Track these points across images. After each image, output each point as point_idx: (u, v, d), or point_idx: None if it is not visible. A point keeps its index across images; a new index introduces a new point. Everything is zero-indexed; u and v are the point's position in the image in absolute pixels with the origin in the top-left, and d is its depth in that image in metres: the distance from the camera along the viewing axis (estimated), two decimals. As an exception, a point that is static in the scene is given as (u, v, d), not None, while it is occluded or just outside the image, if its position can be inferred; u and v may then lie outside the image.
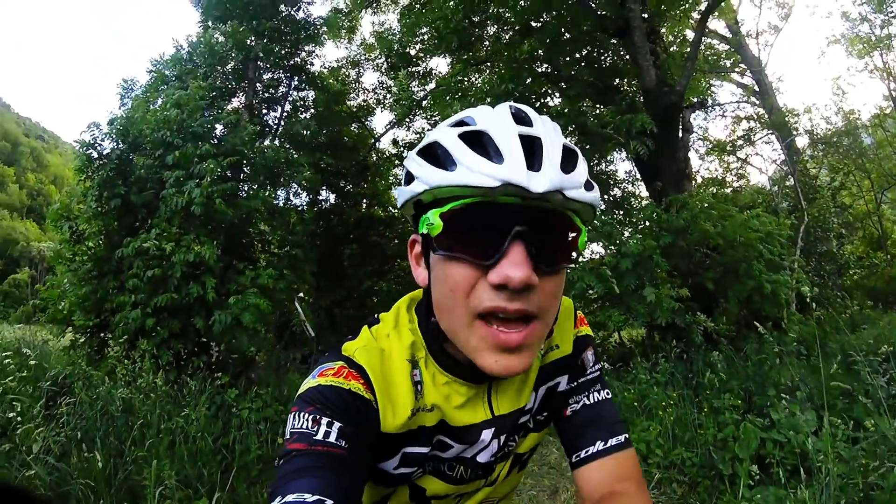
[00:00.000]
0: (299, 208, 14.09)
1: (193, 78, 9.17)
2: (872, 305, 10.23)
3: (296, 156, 10.76)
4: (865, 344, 6.13)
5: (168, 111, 7.86)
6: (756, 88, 18.68)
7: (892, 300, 11.74)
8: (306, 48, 13.08)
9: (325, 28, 13.07)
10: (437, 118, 12.85)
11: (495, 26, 10.83)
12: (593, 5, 9.51)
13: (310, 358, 14.65)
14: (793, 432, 4.22)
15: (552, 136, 0.88)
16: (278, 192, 12.42)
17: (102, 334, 7.47)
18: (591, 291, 7.64)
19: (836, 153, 16.01)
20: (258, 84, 12.32)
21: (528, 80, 9.93)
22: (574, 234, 0.89)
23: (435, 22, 10.57)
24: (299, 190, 13.71)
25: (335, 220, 14.23)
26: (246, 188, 8.83)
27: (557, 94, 10.57)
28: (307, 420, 0.88)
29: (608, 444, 1.08)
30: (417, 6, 12.06)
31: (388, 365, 0.99)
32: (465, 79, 10.64)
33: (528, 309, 0.84)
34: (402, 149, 15.28)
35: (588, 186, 0.89)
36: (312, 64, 13.63)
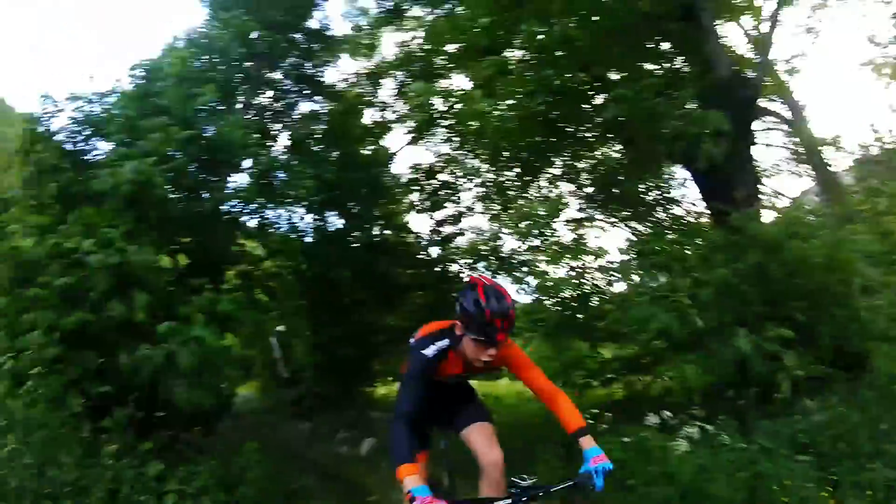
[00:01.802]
0: (301, 233, 12.65)
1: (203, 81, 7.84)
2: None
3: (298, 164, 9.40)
4: None
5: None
6: (788, 116, 17.89)
7: None
8: (319, 59, 12.37)
9: (344, 45, 12.43)
10: (456, 137, 11.56)
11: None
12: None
13: (303, 402, 13.29)
14: None
15: None
16: (275, 211, 11.23)
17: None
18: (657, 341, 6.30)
19: (876, 176, 15.12)
20: (264, 87, 11.43)
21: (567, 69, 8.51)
22: None
23: (461, 28, 9.32)
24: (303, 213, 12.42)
25: (340, 245, 12.83)
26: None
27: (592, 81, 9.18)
28: None
29: None
30: (442, 20, 10.87)
31: None
32: (496, 78, 9.24)
33: None
34: (419, 173, 13.95)
35: None
36: (324, 73, 12.87)
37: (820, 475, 4.31)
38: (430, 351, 2.83)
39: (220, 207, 7.89)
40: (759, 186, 8.32)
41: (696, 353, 5.96)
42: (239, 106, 10.79)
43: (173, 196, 6.12)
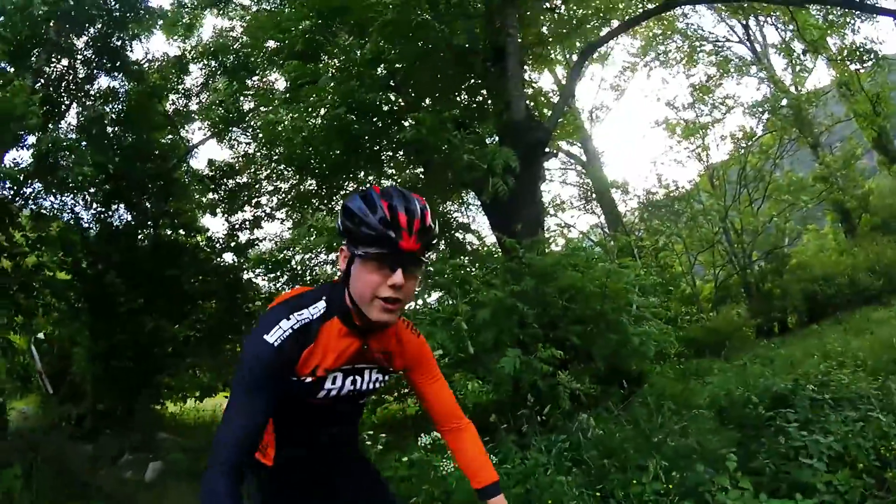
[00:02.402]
0: (85, 223, 11.45)
1: None
2: (696, 354, 11.61)
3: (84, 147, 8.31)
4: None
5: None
6: (584, 158, 19.87)
7: (712, 350, 12.53)
8: (129, 32, 11.05)
9: (159, 20, 11.27)
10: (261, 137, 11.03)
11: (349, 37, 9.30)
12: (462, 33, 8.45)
13: (84, 420, 11.81)
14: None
15: None
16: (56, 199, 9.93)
17: None
18: (439, 351, 6.34)
19: (658, 218, 17.33)
20: (62, 54, 10.03)
21: (370, 83, 8.38)
22: None
23: (282, 27, 8.96)
24: (89, 202, 11.28)
25: (125, 244, 11.66)
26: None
27: (402, 102, 9.31)
28: None
29: None
30: (266, 11, 10.34)
31: None
32: (303, 84, 8.98)
33: None
34: (216, 172, 13.02)
35: None
36: (132, 50, 11.50)
37: (588, 490, 4.46)
38: (276, 334, 1.62)
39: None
40: (542, 219, 8.93)
41: (477, 371, 6.13)
42: (28, 72, 9.47)
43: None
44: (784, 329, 15.77)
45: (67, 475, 9.12)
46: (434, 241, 1.72)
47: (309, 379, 1.71)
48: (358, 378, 1.83)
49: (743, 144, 18.96)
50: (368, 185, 10.38)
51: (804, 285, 15.71)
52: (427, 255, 1.69)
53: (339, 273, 1.75)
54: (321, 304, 1.73)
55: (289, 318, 1.65)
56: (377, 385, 1.91)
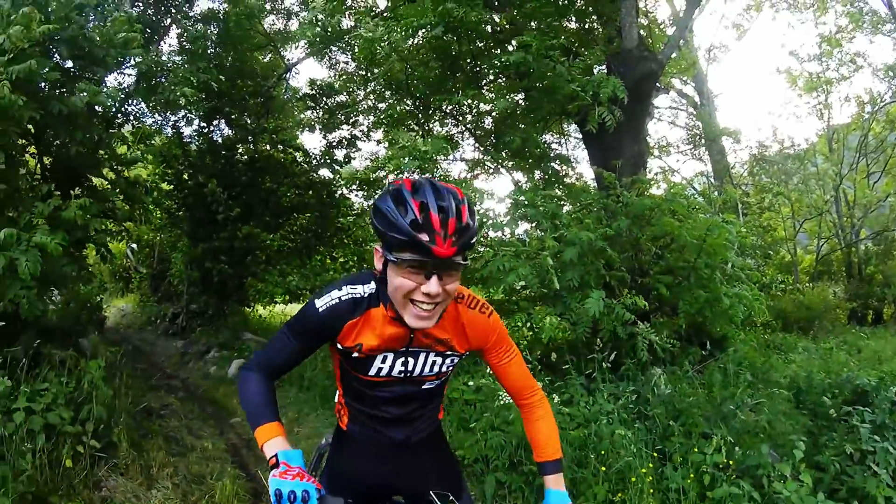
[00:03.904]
0: (186, 138, 12.09)
1: None
2: (783, 328, 11.13)
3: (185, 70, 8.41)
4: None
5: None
6: (696, 99, 18.62)
7: (801, 326, 12.23)
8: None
9: None
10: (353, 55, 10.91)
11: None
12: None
13: (178, 319, 12.67)
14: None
15: None
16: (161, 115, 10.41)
17: None
18: (520, 285, 6.16)
19: (768, 174, 16.27)
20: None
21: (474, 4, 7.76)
22: None
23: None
24: (190, 117, 11.76)
25: (224, 158, 12.16)
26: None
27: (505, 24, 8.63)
28: None
29: None
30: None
31: None
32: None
33: None
34: (316, 90, 13.10)
35: None
36: None
37: (647, 448, 4.34)
38: (325, 301, 1.68)
39: (95, 108, 6.91)
40: (645, 159, 8.44)
41: (557, 308, 5.95)
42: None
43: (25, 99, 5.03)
44: (878, 319, 14.97)
45: (154, 368, 9.84)
46: (473, 240, 1.56)
47: (356, 354, 1.72)
48: (410, 360, 1.79)
49: (868, 109, 17.40)
50: (466, 107, 10.11)
51: (909, 277, 14.62)
52: (466, 258, 1.59)
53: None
54: (373, 284, 1.71)
55: (340, 290, 1.69)
56: (438, 369, 1.84)
